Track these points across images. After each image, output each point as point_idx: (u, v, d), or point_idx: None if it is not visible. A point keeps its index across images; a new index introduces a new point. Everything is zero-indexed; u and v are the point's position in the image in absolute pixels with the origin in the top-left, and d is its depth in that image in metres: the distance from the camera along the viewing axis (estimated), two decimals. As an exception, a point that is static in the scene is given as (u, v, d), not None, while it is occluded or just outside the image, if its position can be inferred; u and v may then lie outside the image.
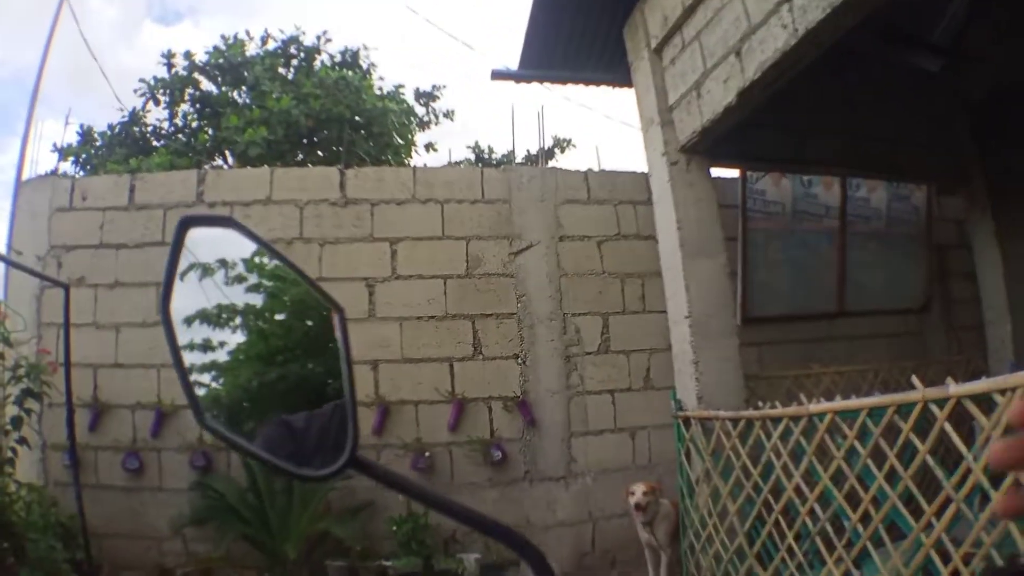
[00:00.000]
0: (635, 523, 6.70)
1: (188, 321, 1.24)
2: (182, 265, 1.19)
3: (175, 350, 1.15)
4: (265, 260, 1.34)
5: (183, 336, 1.19)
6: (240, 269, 1.29)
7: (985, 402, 3.30)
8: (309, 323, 1.41)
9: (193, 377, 1.19)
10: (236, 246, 1.24)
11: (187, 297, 1.23)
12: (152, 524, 7.80)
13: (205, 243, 1.22)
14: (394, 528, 7.45)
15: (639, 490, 6.51)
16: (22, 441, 6.64)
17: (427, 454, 7.87)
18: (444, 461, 8.01)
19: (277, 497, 7.57)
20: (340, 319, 1.22)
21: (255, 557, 7.38)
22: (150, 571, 7.63)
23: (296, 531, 7.30)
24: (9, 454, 6.58)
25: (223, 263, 1.29)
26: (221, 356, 1.28)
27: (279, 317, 1.42)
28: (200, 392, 1.20)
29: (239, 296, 1.30)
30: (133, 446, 7.91)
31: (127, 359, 8.08)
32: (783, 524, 4.99)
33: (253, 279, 1.31)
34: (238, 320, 1.31)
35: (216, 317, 1.29)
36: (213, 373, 1.28)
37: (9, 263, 6.24)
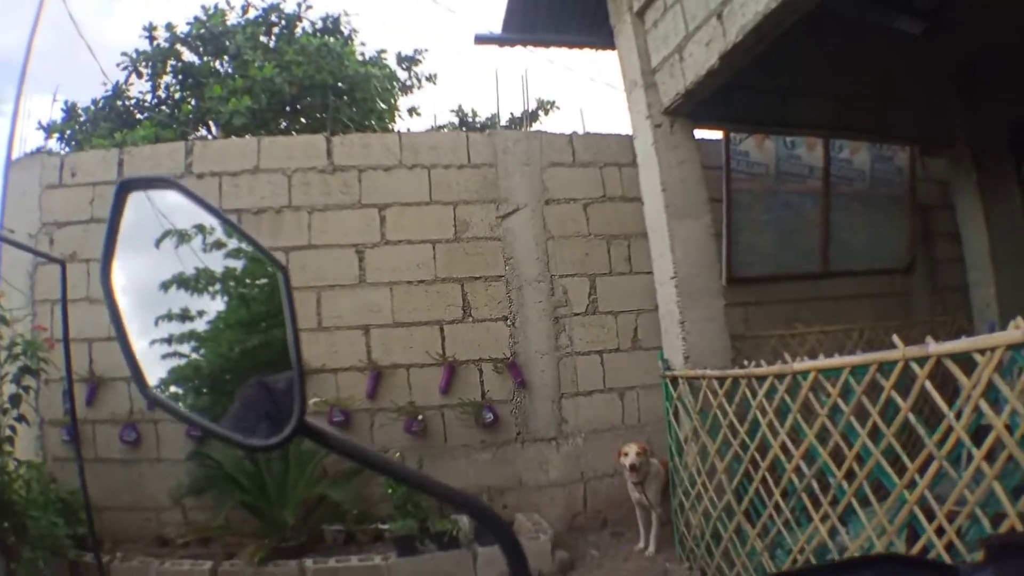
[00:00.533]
0: (626, 483, 6.79)
1: (165, 287, 1.23)
2: (124, 231, 1.17)
3: (116, 318, 1.14)
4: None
5: (161, 306, 1.20)
6: (219, 234, 1.26)
7: (966, 361, 3.38)
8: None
9: (172, 348, 1.20)
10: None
11: (164, 265, 1.23)
12: (151, 495, 7.89)
13: (182, 209, 1.20)
14: (389, 491, 7.44)
15: (632, 451, 6.59)
16: (21, 419, 6.68)
17: (420, 417, 7.92)
18: (437, 424, 8.07)
19: (274, 464, 7.61)
20: (284, 278, 1.19)
21: (253, 524, 7.44)
22: (150, 542, 7.69)
23: (294, 497, 7.37)
24: (8, 432, 6.60)
25: (200, 228, 1.26)
26: (200, 325, 1.26)
27: (260, 282, 1.36)
28: (180, 363, 1.21)
29: (218, 262, 1.27)
30: (130, 418, 7.98)
31: (121, 332, 8.11)
32: (770, 481, 5.08)
33: (233, 244, 1.28)
34: (217, 287, 1.29)
35: (194, 283, 1.26)
36: (193, 343, 1.26)
37: (5, 241, 6.24)
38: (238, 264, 1.29)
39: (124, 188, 1.15)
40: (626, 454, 6.61)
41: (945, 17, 7.80)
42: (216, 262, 1.26)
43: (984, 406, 3.26)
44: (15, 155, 8.97)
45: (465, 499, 1.27)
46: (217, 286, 1.26)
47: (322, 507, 7.56)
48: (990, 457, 3.29)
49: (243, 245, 1.28)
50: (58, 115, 15.14)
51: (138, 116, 15.29)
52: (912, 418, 3.69)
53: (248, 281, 1.35)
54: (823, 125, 8.06)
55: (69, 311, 6.61)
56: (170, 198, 1.20)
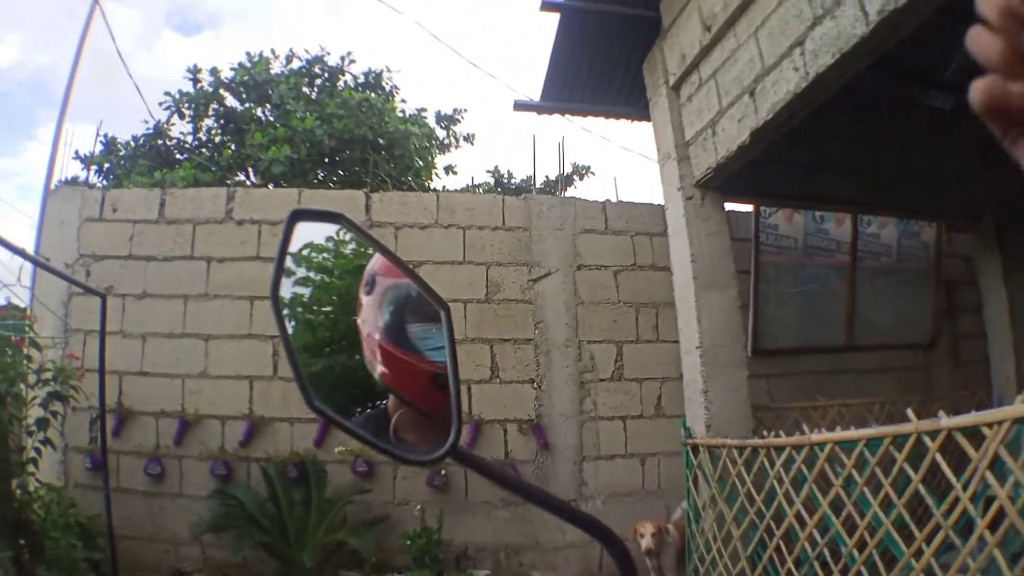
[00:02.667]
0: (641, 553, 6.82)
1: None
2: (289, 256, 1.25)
3: (284, 334, 1.22)
4: (312, 254, 1.35)
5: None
6: (289, 263, 1.28)
7: (976, 435, 3.48)
8: (355, 317, 1.36)
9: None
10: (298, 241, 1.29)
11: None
12: (171, 528, 7.94)
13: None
14: (408, 542, 7.56)
15: (648, 532, 6.59)
16: (46, 442, 6.76)
17: (443, 472, 8.02)
18: (459, 479, 8.15)
19: (295, 508, 7.72)
20: (446, 316, 1.25)
21: (271, 565, 7.50)
22: (167, 573, 7.77)
23: (313, 541, 7.42)
24: (32, 454, 6.67)
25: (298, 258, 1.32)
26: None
27: (326, 309, 1.42)
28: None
29: (287, 289, 1.29)
30: (156, 452, 8.05)
31: (152, 368, 8.25)
32: (784, 549, 5.13)
33: (301, 272, 1.32)
34: (286, 312, 1.30)
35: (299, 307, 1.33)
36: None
37: (52, 271, 6.38)
38: (305, 291, 1.34)
39: (295, 217, 1.24)
40: (642, 535, 6.61)
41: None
42: (287, 289, 1.30)
43: (990, 477, 3.35)
44: (52, 183, 9.13)
45: (588, 520, 1.34)
46: (286, 311, 1.29)
47: (340, 553, 7.58)
48: (995, 525, 3.37)
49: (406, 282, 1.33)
50: (93, 145, 15.40)
51: (178, 156, 15.49)
52: (922, 489, 3.77)
53: (315, 308, 1.40)
54: (851, 200, 8.08)
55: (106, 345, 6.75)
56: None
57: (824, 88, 5.07)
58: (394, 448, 1.19)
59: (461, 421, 1.18)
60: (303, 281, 1.33)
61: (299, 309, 1.35)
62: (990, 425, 3.34)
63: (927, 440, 3.67)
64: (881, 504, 4.11)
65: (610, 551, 1.33)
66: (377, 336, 1.26)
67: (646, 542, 6.57)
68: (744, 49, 5.79)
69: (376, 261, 1.33)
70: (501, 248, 8.75)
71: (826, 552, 4.66)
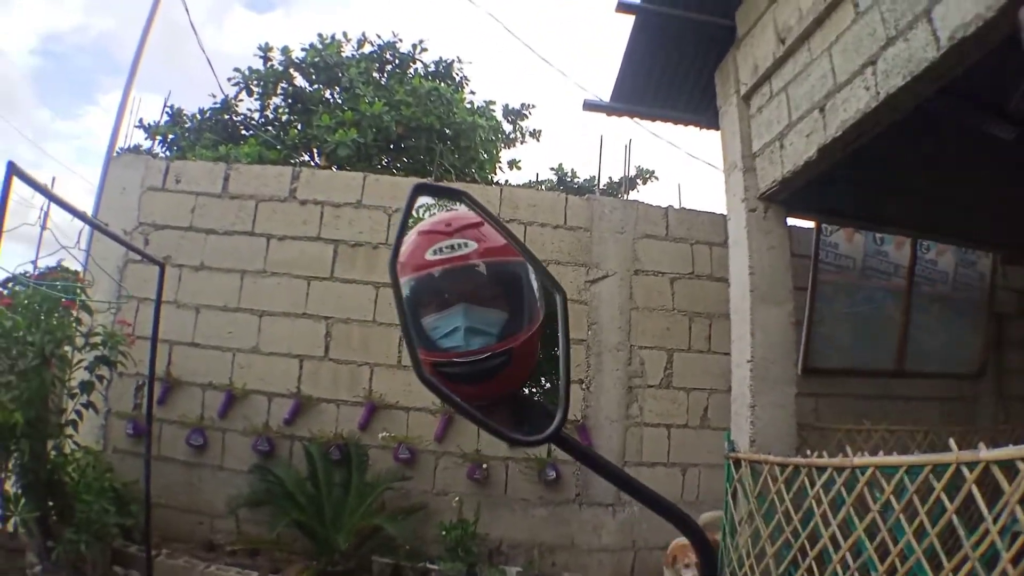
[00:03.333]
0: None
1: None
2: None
3: (400, 304, 1.23)
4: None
5: None
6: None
7: (1011, 469, 3.45)
8: None
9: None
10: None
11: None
12: (208, 500, 8.08)
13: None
14: (443, 533, 7.61)
15: (692, 560, 6.44)
16: (89, 405, 6.89)
17: (484, 466, 8.04)
18: (500, 474, 8.17)
19: (334, 489, 7.80)
20: (561, 301, 1.26)
21: (304, 544, 7.58)
22: (198, 545, 7.85)
23: (349, 523, 7.48)
24: (73, 416, 6.82)
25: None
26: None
27: None
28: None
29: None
30: (200, 423, 8.19)
31: (204, 340, 8.40)
32: (815, 570, 5.12)
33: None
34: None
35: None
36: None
37: (112, 236, 6.43)
38: None
39: (418, 190, 1.27)
40: (687, 565, 6.51)
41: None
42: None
43: (1019, 511, 3.32)
44: (115, 150, 9.23)
45: (682, 516, 1.33)
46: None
47: (375, 538, 7.62)
48: (1018, 559, 3.35)
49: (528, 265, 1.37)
50: (161, 116, 15.59)
51: (243, 132, 15.63)
52: (956, 520, 3.75)
53: None
54: (912, 225, 8.05)
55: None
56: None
57: (894, 109, 5.01)
58: (503, 429, 1.19)
59: (568, 407, 1.19)
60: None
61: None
62: (1024, 459, 3.31)
63: (965, 471, 3.65)
64: (915, 532, 4.09)
65: (697, 551, 1.34)
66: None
67: (692, 573, 6.48)
68: (817, 64, 5.75)
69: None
70: (561, 247, 8.76)
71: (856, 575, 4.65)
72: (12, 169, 4.38)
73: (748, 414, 6.44)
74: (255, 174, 8.97)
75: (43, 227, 6.04)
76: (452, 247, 1.36)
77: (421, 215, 1.39)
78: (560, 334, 1.24)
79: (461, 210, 1.40)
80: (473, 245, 1.37)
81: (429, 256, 1.35)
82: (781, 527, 5.50)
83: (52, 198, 5.01)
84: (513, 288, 1.38)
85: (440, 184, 1.32)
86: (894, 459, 4.41)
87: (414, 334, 1.26)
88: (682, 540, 6.64)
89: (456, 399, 1.15)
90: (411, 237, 1.38)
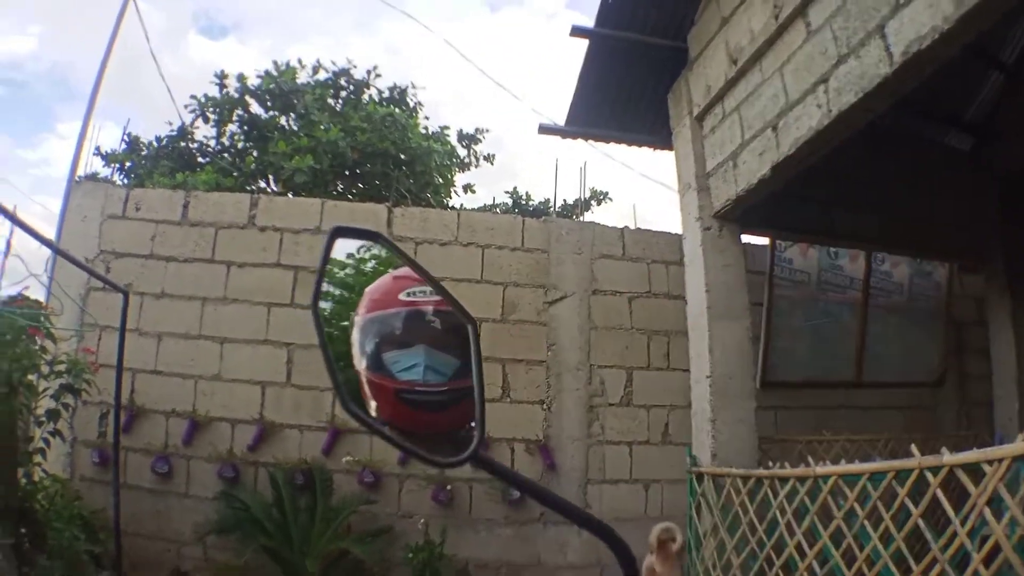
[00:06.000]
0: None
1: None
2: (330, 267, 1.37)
3: (323, 342, 1.31)
4: (335, 270, 1.44)
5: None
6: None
7: (976, 472, 3.53)
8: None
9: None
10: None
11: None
12: (174, 527, 8.01)
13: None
14: (410, 555, 7.60)
15: (679, 537, 6.58)
16: (55, 433, 6.79)
17: (448, 487, 8.05)
18: (464, 495, 8.18)
19: (300, 514, 7.77)
20: (473, 330, 1.37)
21: (272, 570, 7.51)
22: (167, 572, 7.83)
23: (316, 548, 7.47)
24: (41, 444, 6.70)
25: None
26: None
27: (344, 324, 1.46)
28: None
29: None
30: (164, 450, 8.14)
31: (166, 367, 8.35)
32: (782, 580, 5.18)
33: (325, 287, 1.40)
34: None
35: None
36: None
37: (79, 265, 6.39)
38: (327, 306, 1.43)
39: (336, 233, 1.34)
40: (674, 539, 6.56)
41: (992, 130, 7.88)
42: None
43: (987, 513, 3.40)
44: (75, 178, 9.20)
45: (599, 524, 1.44)
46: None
47: (343, 562, 7.59)
48: (989, 560, 3.42)
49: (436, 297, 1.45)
50: (120, 144, 15.56)
51: (200, 160, 15.62)
52: (922, 523, 3.82)
53: (334, 321, 1.47)
54: (866, 238, 8.12)
55: (119, 339, 6.80)
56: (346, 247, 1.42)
57: (847, 126, 5.10)
58: (421, 451, 1.28)
59: (484, 430, 1.28)
60: (325, 295, 1.41)
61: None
62: (991, 462, 3.39)
63: (929, 476, 3.73)
64: (881, 538, 4.16)
65: (621, 562, 1.41)
66: (361, 367, 1.37)
67: (679, 543, 6.53)
68: (769, 84, 5.84)
69: (364, 299, 1.44)
70: (519, 269, 8.82)
71: (825, 583, 4.71)
72: (-25, 198, 4.38)
73: (709, 428, 6.49)
74: (214, 201, 8.96)
75: (7, 254, 6.00)
76: (424, 292, 1.44)
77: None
78: (473, 362, 1.33)
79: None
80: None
81: (403, 297, 1.43)
82: (746, 538, 5.57)
83: (20, 224, 5.01)
84: (464, 339, 1.44)
85: (356, 227, 1.38)
86: (856, 467, 4.49)
87: (369, 364, 1.36)
88: (664, 524, 6.70)
89: (378, 427, 1.26)
90: (384, 280, 1.46)
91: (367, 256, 1.50)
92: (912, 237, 8.13)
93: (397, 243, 1.46)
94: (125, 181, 14.88)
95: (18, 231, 5.27)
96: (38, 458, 6.74)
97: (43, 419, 6.77)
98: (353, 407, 1.25)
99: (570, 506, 1.41)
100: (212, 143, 16.11)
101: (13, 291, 7.10)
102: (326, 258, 1.34)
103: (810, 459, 4.98)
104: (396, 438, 1.27)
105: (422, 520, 7.90)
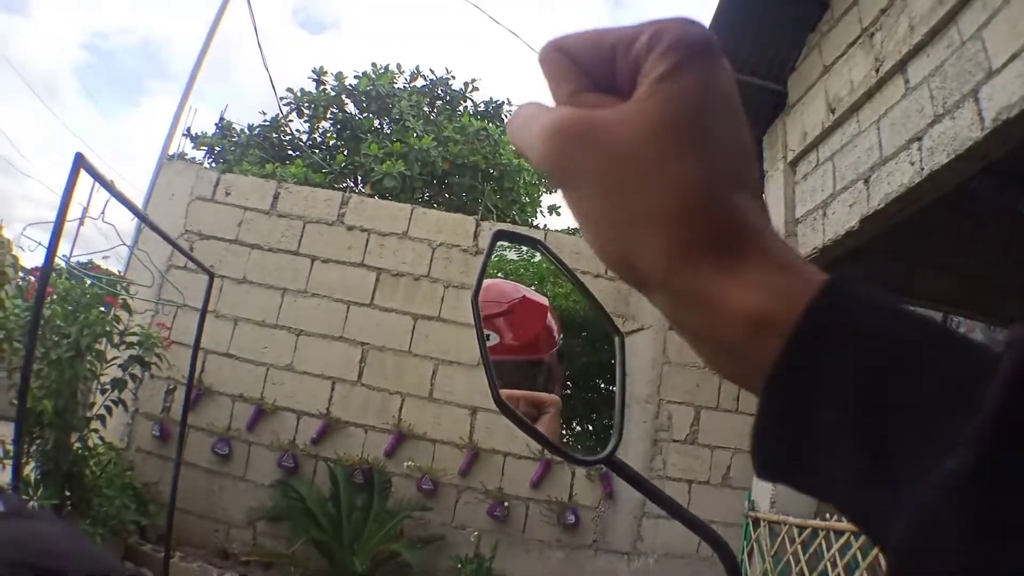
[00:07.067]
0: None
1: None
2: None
3: (481, 338, 1.24)
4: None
5: None
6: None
7: None
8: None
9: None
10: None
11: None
12: (226, 509, 8.14)
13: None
14: (459, 566, 7.62)
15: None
16: (119, 402, 7.00)
17: (506, 504, 8.05)
18: (520, 514, 8.16)
19: (355, 512, 7.85)
20: (620, 343, 1.28)
21: (319, 563, 7.64)
22: (212, 552, 7.92)
23: (367, 547, 7.53)
24: (102, 411, 6.93)
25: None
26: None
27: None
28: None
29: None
30: (227, 433, 8.27)
31: (239, 352, 8.51)
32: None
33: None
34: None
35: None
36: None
37: (169, 241, 6.39)
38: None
39: (498, 236, 1.30)
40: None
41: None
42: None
43: None
44: (165, 156, 9.36)
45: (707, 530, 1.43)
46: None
47: (390, 564, 7.65)
48: None
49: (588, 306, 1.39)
50: (211, 127, 15.82)
51: (290, 152, 15.81)
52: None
53: None
54: (945, 300, 7.93)
55: (196, 319, 6.88)
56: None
57: (937, 185, 5.07)
58: (564, 448, 1.23)
59: (620, 436, 1.29)
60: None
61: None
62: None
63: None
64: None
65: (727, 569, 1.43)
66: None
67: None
68: (865, 136, 5.83)
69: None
70: (601, 296, 8.50)
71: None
72: (80, 161, 4.43)
73: (771, 475, 6.43)
74: (305, 195, 9.11)
75: (104, 221, 6.06)
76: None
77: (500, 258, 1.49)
78: (617, 371, 1.33)
79: (494, 291, 1.52)
80: (495, 338, 1.48)
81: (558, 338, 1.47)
82: (795, 587, 5.55)
83: (115, 194, 5.08)
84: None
85: (518, 232, 1.43)
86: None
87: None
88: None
89: (527, 422, 1.25)
90: (540, 308, 1.51)
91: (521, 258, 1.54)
92: (987, 303, 8.00)
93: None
94: (212, 164, 15.13)
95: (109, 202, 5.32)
96: (96, 424, 6.91)
97: (107, 387, 6.96)
98: (502, 400, 1.28)
99: (692, 516, 1.44)
100: (304, 138, 16.39)
101: (84, 259, 7.23)
102: (488, 258, 1.36)
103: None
104: (543, 434, 1.25)
105: (475, 532, 7.93)
